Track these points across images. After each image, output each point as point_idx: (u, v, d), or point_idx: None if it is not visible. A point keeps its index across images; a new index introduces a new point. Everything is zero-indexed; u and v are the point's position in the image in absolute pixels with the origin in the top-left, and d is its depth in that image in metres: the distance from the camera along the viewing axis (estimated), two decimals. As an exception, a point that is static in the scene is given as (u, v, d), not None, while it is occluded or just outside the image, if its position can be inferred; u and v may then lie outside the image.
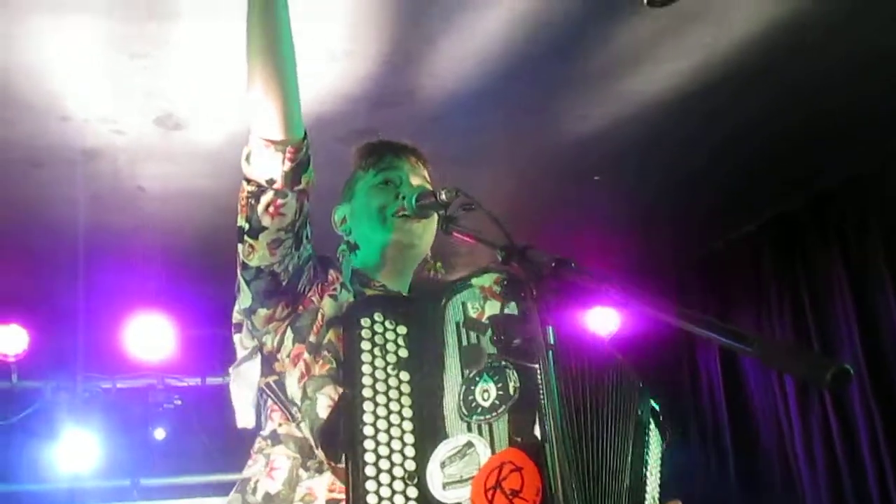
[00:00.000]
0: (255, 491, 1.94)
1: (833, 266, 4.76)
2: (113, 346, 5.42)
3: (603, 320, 5.73)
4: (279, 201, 1.87)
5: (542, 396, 1.66)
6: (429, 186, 2.31)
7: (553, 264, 1.62)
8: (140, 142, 4.17)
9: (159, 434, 5.63)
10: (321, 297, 2.05)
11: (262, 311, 2.01)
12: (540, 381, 1.67)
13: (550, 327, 1.68)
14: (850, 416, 4.61)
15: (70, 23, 3.35)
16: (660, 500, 1.98)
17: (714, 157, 4.66)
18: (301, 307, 2.04)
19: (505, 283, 1.86)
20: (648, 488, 1.93)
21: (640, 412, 1.97)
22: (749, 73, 3.95)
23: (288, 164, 1.85)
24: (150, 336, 5.44)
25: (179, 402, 5.58)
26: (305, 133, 1.89)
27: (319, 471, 1.90)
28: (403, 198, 2.14)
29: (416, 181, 2.30)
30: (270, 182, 1.86)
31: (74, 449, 5.34)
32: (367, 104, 4.07)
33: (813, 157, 4.66)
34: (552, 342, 1.69)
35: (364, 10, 3.47)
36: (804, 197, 5.02)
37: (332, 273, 2.11)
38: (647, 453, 1.96)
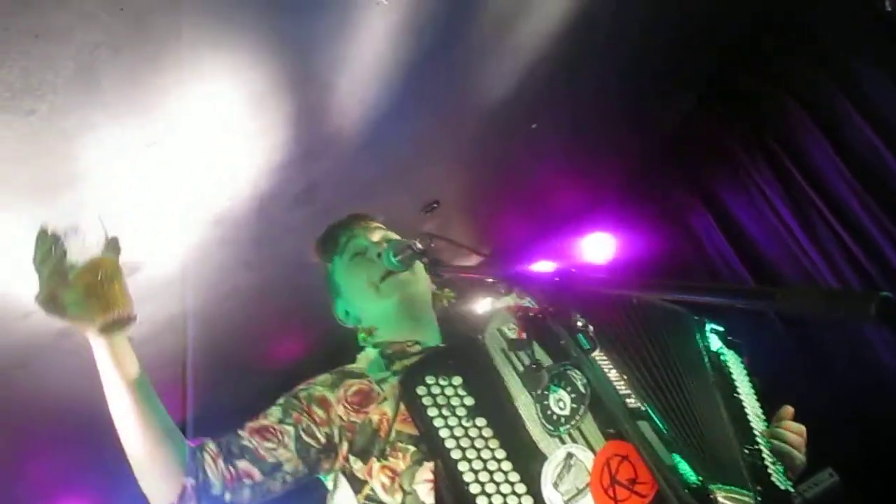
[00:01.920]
0: None
1: (787, 105, 4.75)
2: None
3: (599, 248, 5.77)
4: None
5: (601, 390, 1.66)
6: (393, 235, 2.33)
7: (557, 279, 1.61)
8: (107, 301, 4.13)
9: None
10: (363, 413, 2.05)
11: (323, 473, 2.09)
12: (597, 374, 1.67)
13: (580, 334, 1.68)
14: (861, 227, 4.59)
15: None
16: (765, 413, 1.98)
17: (636, 49, 4.62)
18: (349, 436, 2.05)
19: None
20: (750, 413, 1.92)
21: (701, 346, 1.95)
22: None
23: None
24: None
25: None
26: (190, 470, 1.92)
27: None
28: (380, 256, 2.14)
29: (376, 237, 2.31)
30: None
31: None
32: (297, 165, 4.04)
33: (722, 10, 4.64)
34: (588, 345, 1.68)
35: (253, 82, 3.45)
36: (738, 52, 4.95)
37: (355, 384, 2.10)
38: (733, 381, 1.94)
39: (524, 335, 1.79)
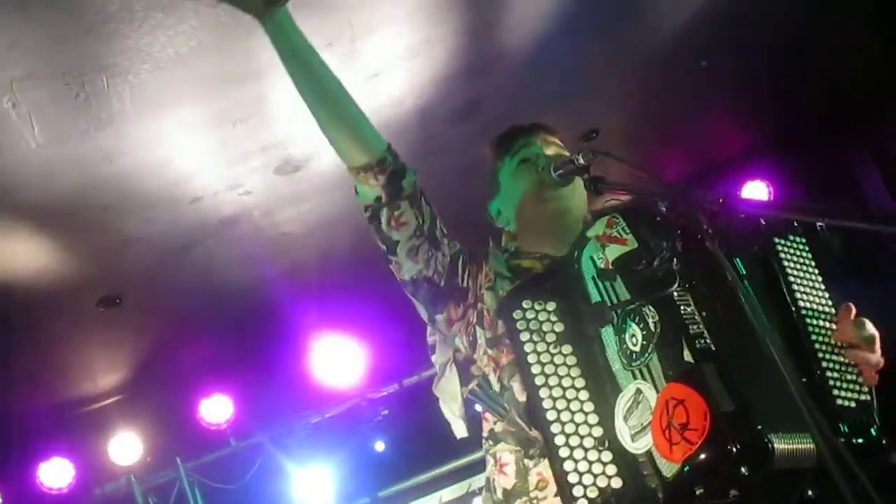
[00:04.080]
0: (495, 490, 2.05)
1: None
2: (307, 381, 5.61)
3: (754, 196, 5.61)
4: (395, 213, 2.04)
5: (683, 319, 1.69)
6: (565, 153, 2.31)
7: (721, 200, 1.60)
8: (269, 194, 4.34)
9: (379, 447, 5.84)
10: (479, 292, 2.12)
11: (440, 317, 2.14)
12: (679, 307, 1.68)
13: (738, 258, 1.66)
14: None
15: (177, 116, 3.54)
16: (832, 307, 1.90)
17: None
18: (475, 300, 2.12)
19: (618, 219, 1.86)
20: (804, 305, 1.86)
21: (756, 249, 1.89)
22: None
23: (382, 179, 2.02)
24: (341, 360, 5.60)
25: (387, 412, 5.76)
26: (388, 145, 2.05)
27: (543, 455, 1.96)
28: (543, 169, 2.15)
29: (550, 151, 2.31)
30: (378, 200, 2.04)
31: (307, 487, 5.61)
32: (460, 80, 4.08)
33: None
34: (745, 270, 1.67)
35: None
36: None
37: (485, 266, 2.18)
38: (782, 276, 1.89)
39: (610, 266, 1.81)
